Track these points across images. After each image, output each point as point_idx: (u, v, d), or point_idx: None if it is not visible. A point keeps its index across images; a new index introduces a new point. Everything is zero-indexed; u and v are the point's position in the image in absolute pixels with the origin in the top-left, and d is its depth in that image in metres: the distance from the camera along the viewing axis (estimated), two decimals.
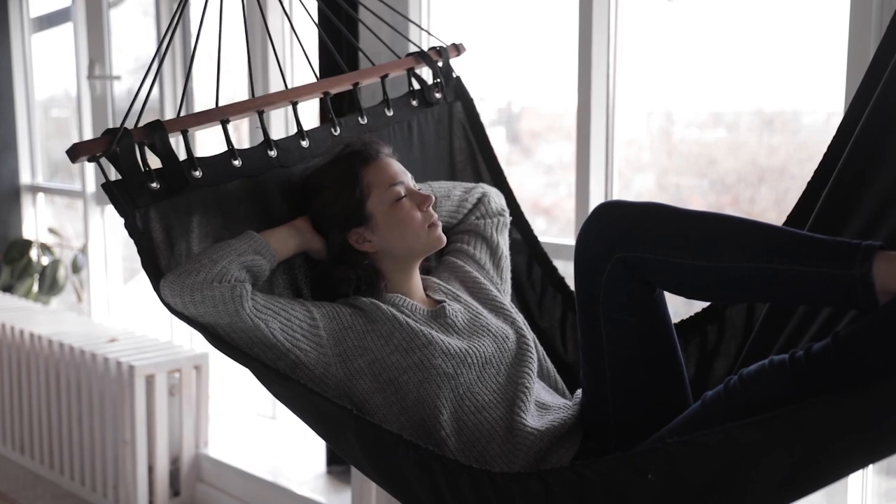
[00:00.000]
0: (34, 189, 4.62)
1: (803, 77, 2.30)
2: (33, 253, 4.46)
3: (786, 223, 1.60)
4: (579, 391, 1.63)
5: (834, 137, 1.55)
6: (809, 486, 1.20)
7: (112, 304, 4.25)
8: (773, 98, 2.42)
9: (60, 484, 3.53)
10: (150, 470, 3.22)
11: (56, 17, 4.53)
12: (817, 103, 2.36)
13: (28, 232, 4.62)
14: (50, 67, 4.62)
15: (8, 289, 4.41)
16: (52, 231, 4.60)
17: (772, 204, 2.47)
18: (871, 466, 2.05)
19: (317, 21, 1.95)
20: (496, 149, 2.04)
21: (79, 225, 4.43)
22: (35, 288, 4.43)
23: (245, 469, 3.18)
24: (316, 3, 2.00)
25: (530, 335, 1.69)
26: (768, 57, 2.35)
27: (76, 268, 4.34)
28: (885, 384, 1.10)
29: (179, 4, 1.68)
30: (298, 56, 3.24)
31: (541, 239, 2.00)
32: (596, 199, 2.41)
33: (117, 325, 3.93)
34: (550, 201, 2.97)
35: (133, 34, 4.17)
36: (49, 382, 3.48)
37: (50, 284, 4.40)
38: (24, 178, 4.62)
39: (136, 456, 3.16)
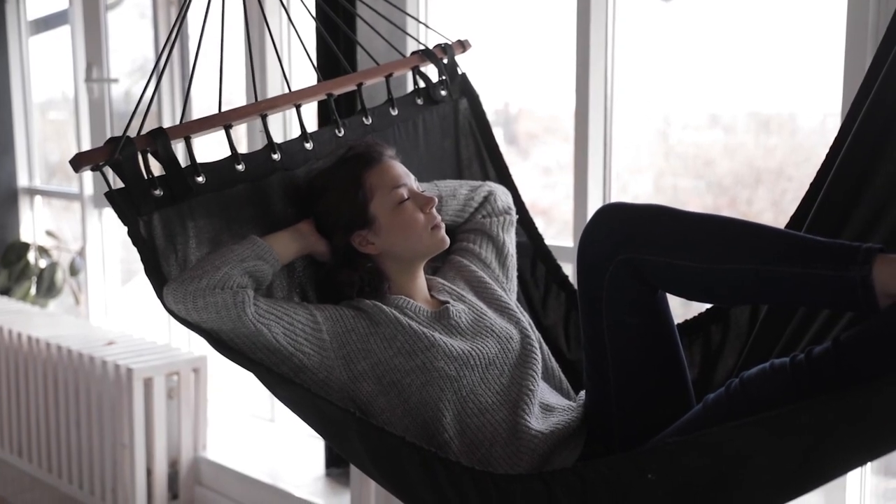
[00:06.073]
0: (32, 192, 4.62)
1: (800, 79, 2.30)
2: (31, 256, 4.45)
3: (787, 226, 1.60)
4: (583, 392, 1.63)
5: (835, 140, 1.54)
6: (810, 482, 1.21)
7: (110, 306, 4.25)
8: (770, 100, 2.43)
9: (58, 487, 3.52)
10: (149, 473, 3.21)
11: (53, 20, 4.52)
12: (814, 105, 2.36)
13: (26, 235, 4.62)
14: (47, 70, 4.61)
15: (5, 292, 4.40)
16: (49, 234, 4.59)
17: (769, 205, 2.47)
18: (869, 466, 2.06)
19: (315, 17, 1.95)
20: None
21: (76, 227, 4.42)
22: (33, 291, 4.43)
23: (244, 472, 3.18)
24: (314, 4, 2.00)
25: (535, 335, 1.69)
26: (765, 59, 2.35)
27: (74, 270, 4.34)
28: (881, 380, 1.10)
29: (182, 9, 1.67)
30: (295, 59, 3.24)
31: None
32: (594, 201, 2.41)
33: (115, 327, 3.92)
34: (548, 203, 2.97)
35: (130, 37, 4.17)
36: (47, 385, 3.48)
37: (47, 287, 4.39)
38: (22, 180, 4.61)
39: (135, 459, 3.15)
